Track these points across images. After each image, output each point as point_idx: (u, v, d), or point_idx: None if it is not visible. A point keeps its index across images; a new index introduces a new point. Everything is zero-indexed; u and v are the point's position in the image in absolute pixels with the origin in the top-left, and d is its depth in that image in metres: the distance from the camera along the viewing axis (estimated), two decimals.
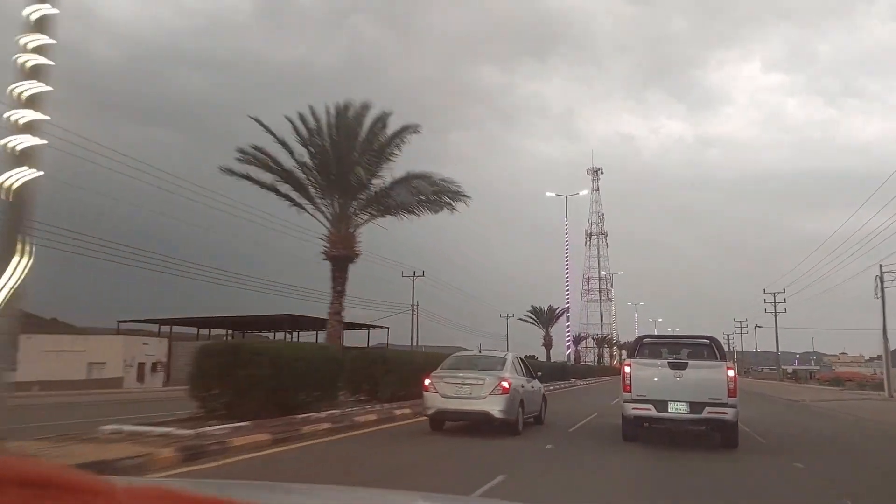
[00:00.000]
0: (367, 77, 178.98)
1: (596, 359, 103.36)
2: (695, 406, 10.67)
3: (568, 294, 58.19)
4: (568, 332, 58.89)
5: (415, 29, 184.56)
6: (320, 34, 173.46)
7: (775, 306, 71.50)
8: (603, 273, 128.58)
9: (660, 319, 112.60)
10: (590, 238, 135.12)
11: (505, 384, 11.96)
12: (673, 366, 11.05)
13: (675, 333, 13.71)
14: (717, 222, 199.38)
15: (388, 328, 52.83)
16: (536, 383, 14.18)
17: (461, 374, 12.29)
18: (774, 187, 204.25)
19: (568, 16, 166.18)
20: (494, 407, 11.77)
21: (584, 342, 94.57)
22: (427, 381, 12.38)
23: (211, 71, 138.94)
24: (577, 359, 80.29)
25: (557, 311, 62.27)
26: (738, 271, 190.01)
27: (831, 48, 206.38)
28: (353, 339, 52.74)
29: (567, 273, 58.05)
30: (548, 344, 62.37)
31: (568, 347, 57.27)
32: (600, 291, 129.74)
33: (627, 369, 11.28)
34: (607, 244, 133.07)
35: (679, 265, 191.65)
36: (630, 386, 11.08)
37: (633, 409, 11.07)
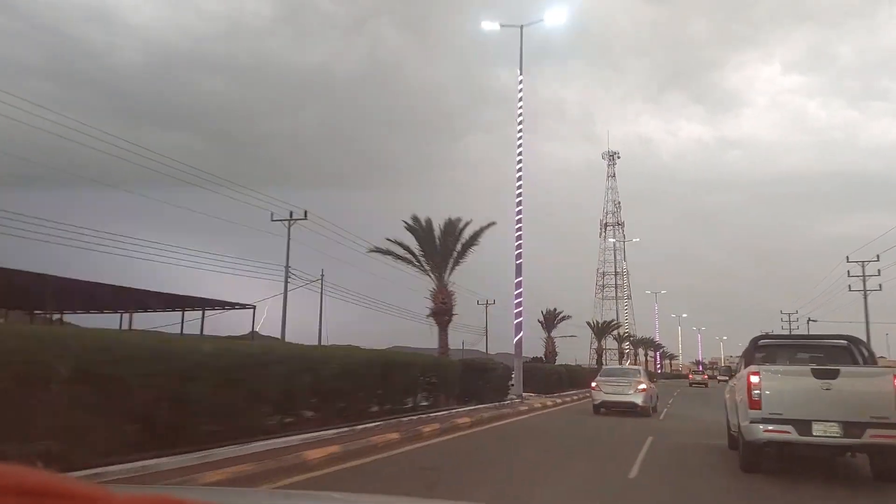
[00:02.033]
0: (388, 80, 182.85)
1: (595, 356, 72.27)
2: (851, 428, 8.36)
3: (519, 212, 25.63)
4: (518, 299, 25.10)
5: (434, 32, 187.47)
6: (341, 38, 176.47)
7: (864, 281, 47.95)
8: (616, 245, 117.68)
9: (684, 315, 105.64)
10: (605, 229, 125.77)
11: (643, 385, 19.47)
12: (819, 374, 8.70)
13: (800, 333, 10.39)
14: (738, 225, 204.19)
15: (253, 307, 34.35)
16: (653, 386, 21.82)
17: (615, 379, 19.83)
18: (796, 190, 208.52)
19: (586, 18, 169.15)
20: (637, 399, 19.21)
21: (561, 324, 53.10)
22: (594, 384, 19.99)
23: (232, 75, 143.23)
24: (551, 353, 51.39)
25: (460, 226, 24.86)
26: (761, 274, 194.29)
27: (852, 49, 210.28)
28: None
29: (519, 173, 25.71)
30: (440, 312, 25.25)
31: (518, 328, 25.12)
32: (616, 288, 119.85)
33: (755, 378, 8.94)
34: (624, 235, 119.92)
35: (700, 269, 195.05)
36: (760, 401, 8.82)
37: (765, 433, 8.78)
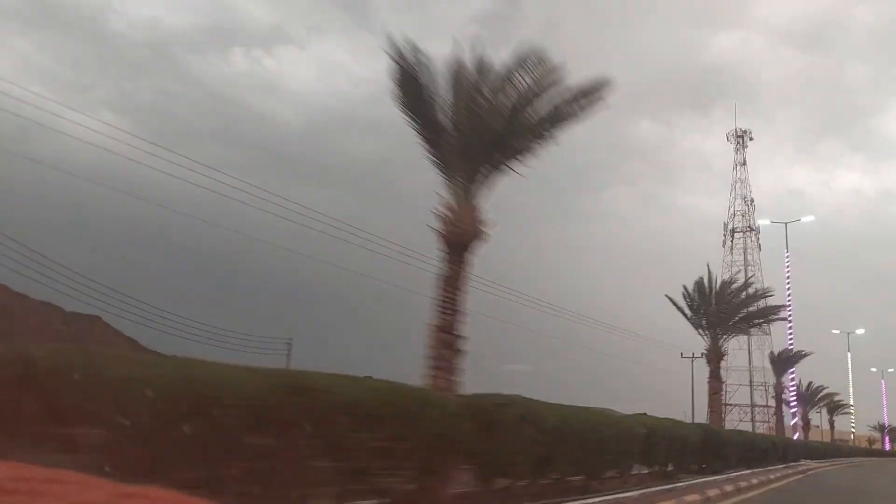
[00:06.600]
0: None
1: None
2: None
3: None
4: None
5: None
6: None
7: None
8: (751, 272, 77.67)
9: (860, 331, 70.07)
10: (731, 235, 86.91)
11: None
12: None
13: None
14: None
15: None
16: None
17: None
18: None
19: (733, 68, 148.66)
20: None
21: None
22: None
23: (379, 134, 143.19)
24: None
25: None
26: None
27: None
28: None
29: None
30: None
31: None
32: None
33: None
34: (759, 246, 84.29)
35: (866, 332, 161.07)
36: None
37: None
